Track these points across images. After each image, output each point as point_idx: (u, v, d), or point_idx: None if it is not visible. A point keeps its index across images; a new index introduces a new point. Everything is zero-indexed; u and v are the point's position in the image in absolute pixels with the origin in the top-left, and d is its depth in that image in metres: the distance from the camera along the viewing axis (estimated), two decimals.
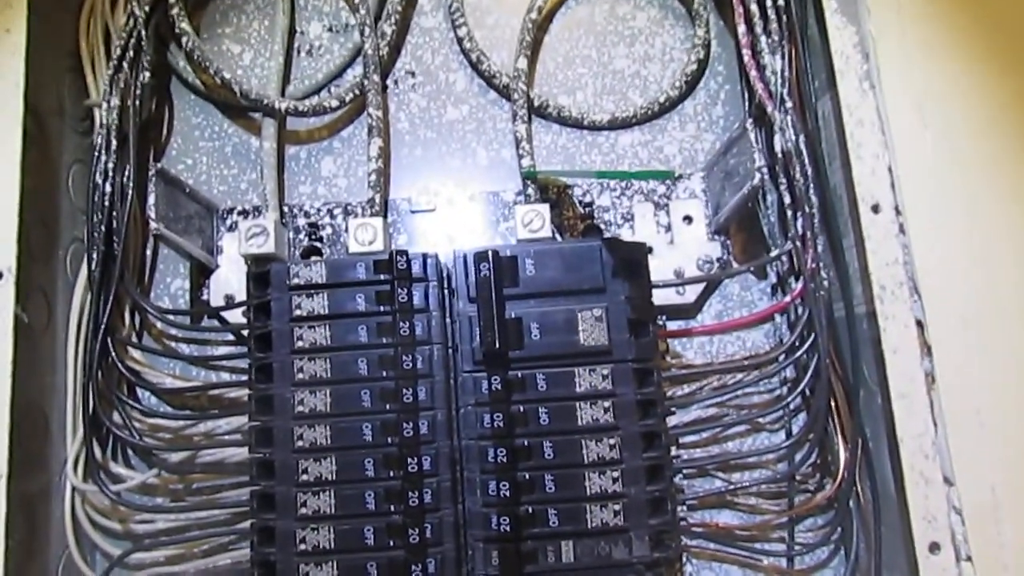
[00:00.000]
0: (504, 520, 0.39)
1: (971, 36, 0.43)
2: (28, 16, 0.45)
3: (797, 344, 0.43)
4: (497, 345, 0.39)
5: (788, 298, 0.45)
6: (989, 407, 0.39)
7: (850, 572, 0.44)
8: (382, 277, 0.41)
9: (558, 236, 0.49)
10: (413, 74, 0.54)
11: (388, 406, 0.40)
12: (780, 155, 0.43)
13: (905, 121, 0.42)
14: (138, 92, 0.47)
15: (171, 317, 0.48)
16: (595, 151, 0.53)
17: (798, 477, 0.46)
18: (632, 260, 0.42)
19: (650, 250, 0.48)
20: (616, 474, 0.39)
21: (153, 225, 0.46)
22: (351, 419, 0.40)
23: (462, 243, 0.51)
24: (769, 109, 0.44)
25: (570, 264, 0.41)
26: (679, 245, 0.49)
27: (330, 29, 0.55)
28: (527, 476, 0.39)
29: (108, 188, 0.45)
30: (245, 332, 0.44)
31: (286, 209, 0.51)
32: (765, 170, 0.44)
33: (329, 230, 0.51)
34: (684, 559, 0.47)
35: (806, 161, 0.43)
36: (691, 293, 0.49)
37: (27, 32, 0.45)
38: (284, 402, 0.40)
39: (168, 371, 0.48)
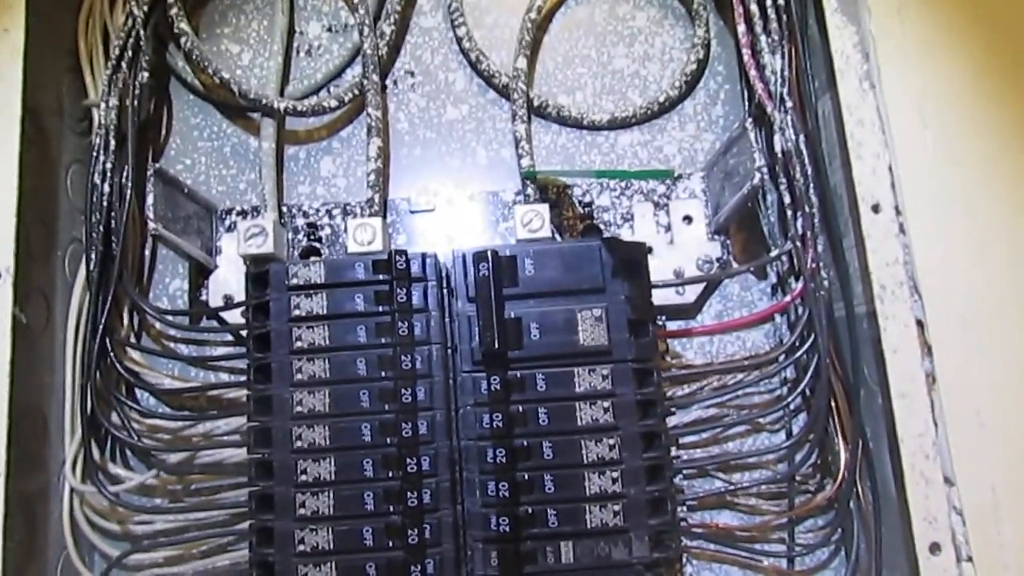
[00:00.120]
0: (503, 520, 0.39)
1: (971, 36, 0.43)
2: (27, 16, 0.45)
3: (797, 344, 0.43)
4: (496, 345, 0.39)
5: (788, 298, 0.45)
6: (989, 407, 0.39)
7: (850, 573, 0.44)
8: (381, 277, 0.41)
9: (558, 236, 0.49)
10: (412, 74, 0.54)
11: (387, 406, 0.40)
12: (780, 155, 0.43)
13: (905, 121, 0.42)
14: (137, 92, 0.47)
15: (170, 318, 0.48)
16: (595, 151, 0.52)
17: (798, 477, 0.45)
18: (632, 260, 0.41)
19: (650, 250, 0.48)
20: (616, 474, 0.39)
21: (152, 225, 0.45)
22: (350, 419, 0.40)
23: (461, 243, 0.51)
24: (769, 109, 0.44)
25: (570, 264, 0.41)
26: (679, 245, 0.49)
27: (329, 29, 0.55)
28: (526, 476, 0.39)
29: (107, 188, 0.45)
30: (244, 332, 0.44)
31: (285, 209, 0.51)
32: (765, 170, 0.44)
33: (328, 230, 0.51)
34: (684, 560, 0.47)
35: (806, 161, 0.43)
36: (691, 293, 0.49)
37: (26, 32, 0.45)
38: (283, 402, 0.40)
39: (167, 372, 0.48)
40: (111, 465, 0.46)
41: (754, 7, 0.45)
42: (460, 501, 0.40)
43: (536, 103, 0.51)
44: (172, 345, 0.50)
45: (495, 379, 0.40)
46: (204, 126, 0.53)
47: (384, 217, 0.48)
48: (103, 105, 0.47)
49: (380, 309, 0.41)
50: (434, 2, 0.55)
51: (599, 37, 0.54)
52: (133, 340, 0.48)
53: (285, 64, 0.53)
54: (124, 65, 0.47)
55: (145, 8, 0.48)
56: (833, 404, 0.43)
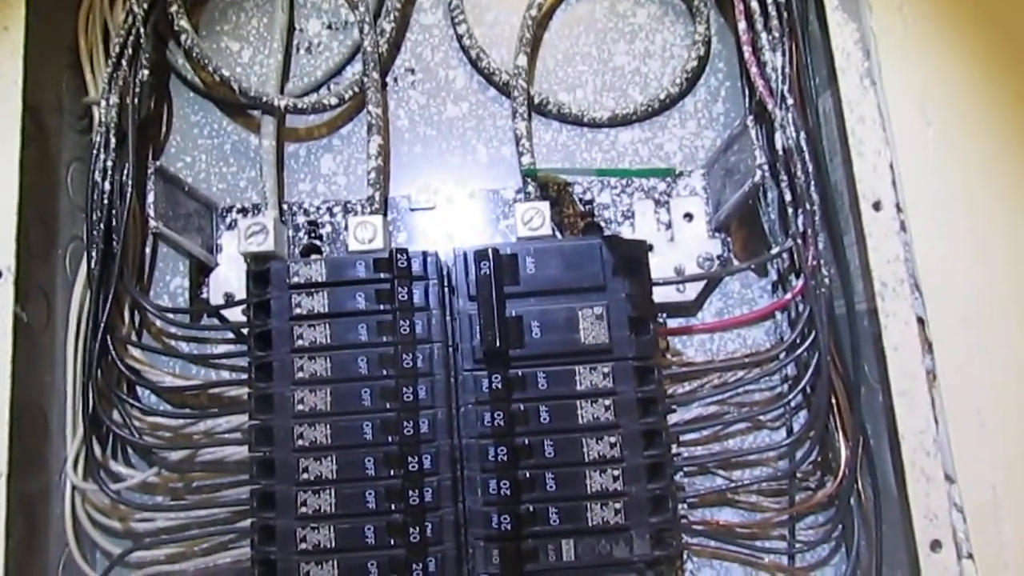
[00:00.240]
0: (505, 519, 0.39)
1: (972, 33, 0.43)
2: (27, 14, 0.45)
3: (798, 341, 0.43)
4: (497, 343, 0.39)
5: (789, 295, 0.45)
6: (990, 404, 0.39)
7: (851, 570, 0.44)
8: (382, 275, 0.41)
9: (558, 234, 0.49)
10: (413, 71, 0.54)
11: (388, 405, 0.40)
12: (781, 152, 0.43)
13: (906, 118, 0.42)
14: (137, 90, 0.47)
15: (171, 315, 0.48)
16: (595, 148, 0.52)
17: (799, 475, 0.45)
18: (632, 258, 0.41)
19: (650, 248, 0.48)
20: (617, 472, 0.39)
21: (152, 223, 0.45)
22: (351, 418, 0.40)
23: (462, 241, 0.51)
24: (770, 106, 0.44)
25: (570, 262, 0.41)
26: (679, 243, 0.49)
27: (329, 26, 0.55)
28: (528, 475, 0.39)
29: (107, 186, 0.45)
30: (245, 330, 0.44)
31: (285, 207, 0.51)
32: (766, 167, 0.44)
33: (329, 228, 0.51)
34: (685, 557, 0.47)
35: (807, 158, 0.43)
36: (692, 291, 0.49)
37: (26, 29, 0.45)
38: (284, 401, 0.40)
39: (168, 369, 0.48)
40: (112, 463, 0.46)
41: (755, 4, 0.45)
42: (461, 499, 0.40)
43: (537, 100, 0.51)
44: (173, 343, 0.50)
45: (496, 377, 0.40)
46: (204, 124, 0.53)
47: (385, 215, 0.48)
48: (103, 103, 0.47)
49: (381, 307, 0.41)
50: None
51: (600, 34, 0.54)
52: (134, 338, 0.48)
53: (285, 61, 0.53)
54: (124, 63, 0.47)
55: (145, 6, 0.48)
56: (834, 401, 0.43)
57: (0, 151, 0.43)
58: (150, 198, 0.46)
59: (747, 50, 0.46)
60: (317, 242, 0.51)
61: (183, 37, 0.50)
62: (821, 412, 0.42)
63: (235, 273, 0.49)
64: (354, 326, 0.41)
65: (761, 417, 0.47)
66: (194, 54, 0.50)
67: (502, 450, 0.39)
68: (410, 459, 0.39)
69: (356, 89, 0.50)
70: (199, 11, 0.55)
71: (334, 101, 0.50)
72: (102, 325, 0.44)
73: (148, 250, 0.50)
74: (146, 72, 0.48)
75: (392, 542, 0.39)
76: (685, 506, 0.46)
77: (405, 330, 0.40)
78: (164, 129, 0.53)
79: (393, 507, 0.39)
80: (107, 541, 0.45)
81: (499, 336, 0.39)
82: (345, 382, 0.40)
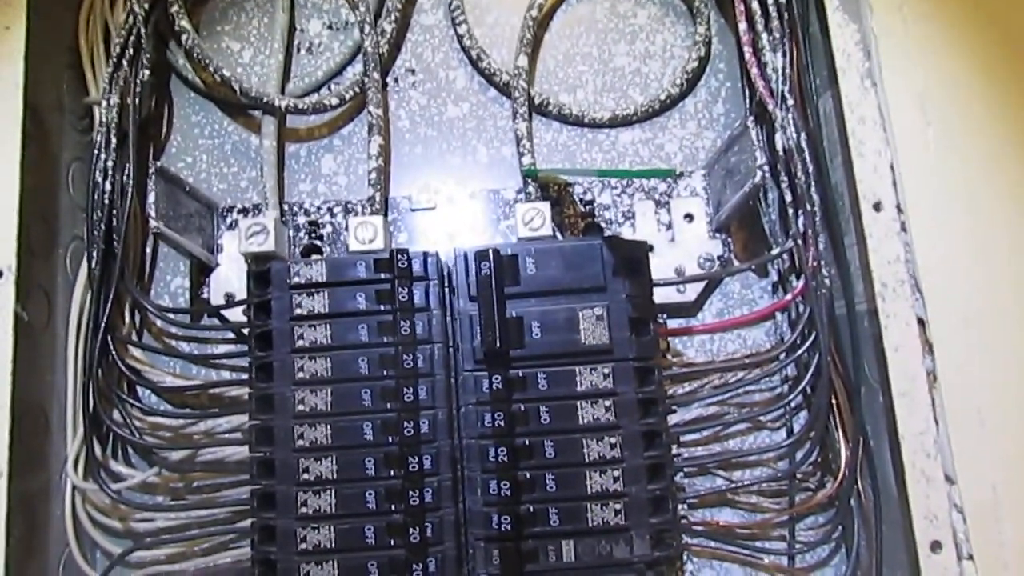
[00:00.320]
0: (505, 519, 0.39)
1: (973, 34, 0.43)
2: (28, 13, 0.45)
3: (798, 342, 0.43)
4: (498, 344, 0.39)
5: (789, 296, 0.45)
6: (990, 405, 0.39)
7: (851, 570, 0.44)
8: (382, 276, 0.41)
9: (559, 234, 0.49)
10: (413, 72, 0.54)
11: (389, 405, 0.40)
12: (781, 153, 0.43)
13: (907, 119, 0.42)
14: (138, 90, 0.47)
15: (171, 315, 0.48)
16: (596, 149, 0.52)
17: (799, 475, 0.46)
18: (633, 258, 0.41)
19: (651, 248, 0.48)
20: (617, 473, 0.39)
21: (153, 223, 0.45)
22: (352, 418, 0.40)
23: (463, 241, 0.51)
24: (770, 107, 0.44)
25: (571, 262, 0.41)
26: (680, 243, 0.49)
27: (330, 27, 0.55)
28: (528, 475, 0.39)
29: (108, 186, 0.45)
30: (245, 331, 0.44)
31: (286, 207, 0.51)
32: (766, 168, 0.44)
33: (329, 228, 0.51)
34: (685, 558, 0.47)
35: (807, 159, 0.43)
36: (692, 291, 0.49)
37: (27, 29, 0.45)
38: (285, 401, 0.40)
39: (168, 369, 0.48)
40: (113, 463, 0.46)
41: (755, 5, 0.45)
42: (462, 500, 0.40)
43: (537, 101, 0.51)
44: (173, 343, 0.50)
45: (496, 378, 0.40)
46: (205, 124, 0.53)
47: (385, 215, 0.48)
48: (104, 103, 0.47)
49: (382, 308, 0.41)
50: (435, 0, 0.55)
51: (600, 35, 0.54)
52: (135, 338, 0.48)
53: (286, 62, 0.53)
54: (125, 63, 0.47)
55: (146, 6, 0.48)
56: (834, 402, 0.43)
57: (1, 151, 0.43)
58: (151, 198, 0.46)
59: (748, 51, 0.46)
60: (318, 242, 0.51)
61: (184, 37, 0.50)
62: (821, 413, 0.42)
63: (236, 273, 0.49)
64: (354, 326, 0.41)
65: (761, 418, 0.47)
66: (195, 54, 0.50)
67: (502, 450, 0.39)
68: (410, 459, 0.39)
69: (357, 89, 0.50)
70: (200, 11, 0.55)
71: (335, 101, 0.50)
72: (103, 325, 0.44)
73: (149, 250, 0.50)
74: (147, 72, 0.48)
75: (392, 542, 0.39)
76: (685, 507, 0.46)
77: (406, 330, 0.41)
78: (165, 129, 0.53)
79: (393, 507, 0.39)
80: (107, 541, 0.45)
81: (499, 336, 0.39)
82: (345, 382, 0.40)
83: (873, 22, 0.43)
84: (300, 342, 0.41)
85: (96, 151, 0.46)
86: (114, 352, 0.45)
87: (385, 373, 0.40)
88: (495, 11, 0.54)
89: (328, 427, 0.40)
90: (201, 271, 0.50)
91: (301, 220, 0.51)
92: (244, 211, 0.51)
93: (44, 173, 0.46)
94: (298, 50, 0.54)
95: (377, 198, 0.48)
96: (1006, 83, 0.42)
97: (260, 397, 0.41)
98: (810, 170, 0.43)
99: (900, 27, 0.43)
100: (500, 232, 0.51)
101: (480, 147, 0.53)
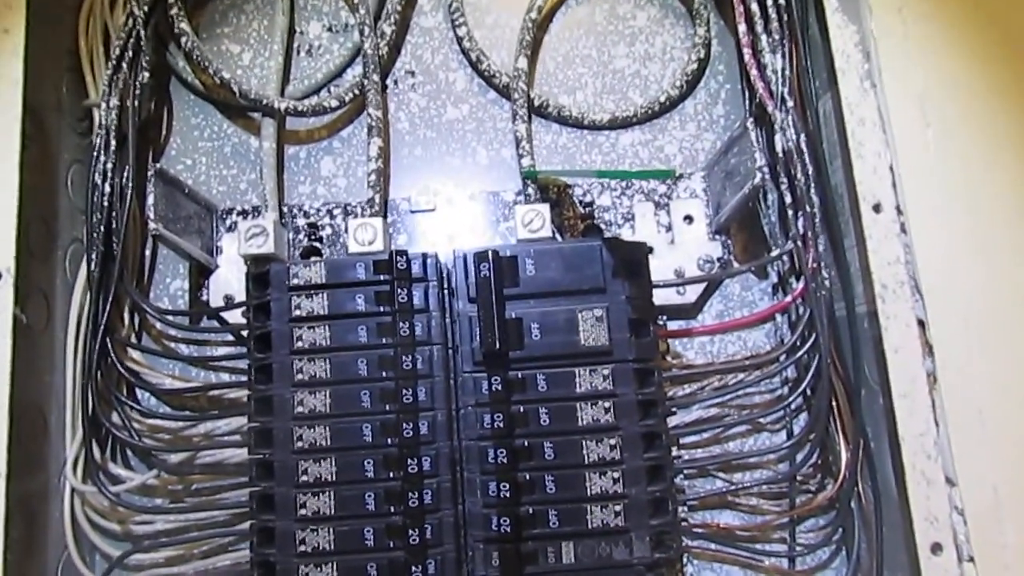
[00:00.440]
0: (504, 521, 0.39)
1: (972, 35, 0.43)
2: (27, 16, 0.45)
3: (798, 344, 0.43)
4: (497, 345, 0.39)
5: (789, 298, 0.45)
6: (991, 406, 0.39)
7: (852, 573, 0.44)
8: (382, 277, 0.41)
9: (558, 236, 0.49)
10: (413, 74, 0.54)
11: (388, 407, 0.40)
12: (781, 154, 0.43)
13: (906, 120, 0.42)
14: (137, 92, 0.47)
15: (170, 318, 0.48)
16: (595, 151, 0.52)
17: (799, 477, 0.45)
18: (633, 260, 0.41)
19: (651, 250, 0.48)
20: (617, 475, 0.39)
21: (152, 225, 0.45)
22: (351, 420, 0.40)
23: (462, 243, 0.51)
24: (770, 108, 0.44)
25: (570, 264, 0.41)
26: (680, 245, 0.49)
27: (329, 29, 0.55)
28: (527, 477, 0.39)
29: (107, 188, 0.45)
30: (244, 333, 0.44)
31: (285, 209, 0.51)
32: (766, 169, 0.44)
33: (329, 230, 0.51)
34: (685, 560, 0.47)
35: (807, 160, 0.43)
36: (692, 293, 0.49)
37: (26, 32, 0.45)
38: (284, 403, 0.40)
39: (167, 372, 0.48)
40: (112, 465, 0.46)
41: (755, 6, 0.45)
42: (461, 501, 0.40)
43: (537, 103, 0.51)
44: (173, 345, 0.50)
45: (496, 379, 0.40)
46: (204, 126, 0.53)
47: (385, 217, 0.48)
48: (104, 105, 0.47)
49: (381, 309, 0.41)
50: (434, 2, 0.55)
51: (600, 37, 0.54)
52: (134, 340, 0.48)
53: (285, 64, 0.53)
54: (125, 65, 0.47)
55: (145, 8, 0.48)
56: (834, 404, 0.43)
57: (0, 152, 0.43)
58: (150, 200, 0.46)
59: (747, 52, 0.46)
60: (317, 244, 0.51)
61: (183, 39, 0.50)
62: (821, 415, 0.42)
63: (235, 275, 0.49)
64: (354, 328, 0.41)
65: (761, 420, 0.47)
66: (194, 56, 0.50)
67: (502, 452, 0.39)
68: (410, 461, 0.39)
69: (356, 91, 0.50)
70: (199, 13, 0.55)
71: (334, 103, 0.50)
72: (102, 327, 0.44)
73: (148, 252, 0.50)
74: (146, 74, 0.48)
75: (392, 544, 0.39)
76: (685, 509, 0.46)
77: (405, 332, 0.40)
78: (164, 131, 0.53)
79: (392, 509, 0.39)
80: (106, 543, 0.45)
81: (499, 338, 0.39)
82: (345, 384, 0.40)
83: (872, 23, 0.43)
84: (299, 344, 0.41)
85: (96, 153, 0.46)
86: (113, 354, 0.45)
87: (384, 374, 0.40)
88: (494, 13, 0.54)
89: (327, 429, 0.40)
90: (200, 273, 0.50)
91: (300, 222, 0.51)
92: (243, 213, 0.51)
93: (44, 175, 0.46)
94: (298, 52, 0.54)
95: (376, 200, 0.48)
96: (1006, 84, 0.42)
97: (259, 399, 0.41)
98: (810, 172, 0.42)
99: (899, 28, 0.43)
100: (499, 234, 0.51)
101: (480, 149, 0.53)
